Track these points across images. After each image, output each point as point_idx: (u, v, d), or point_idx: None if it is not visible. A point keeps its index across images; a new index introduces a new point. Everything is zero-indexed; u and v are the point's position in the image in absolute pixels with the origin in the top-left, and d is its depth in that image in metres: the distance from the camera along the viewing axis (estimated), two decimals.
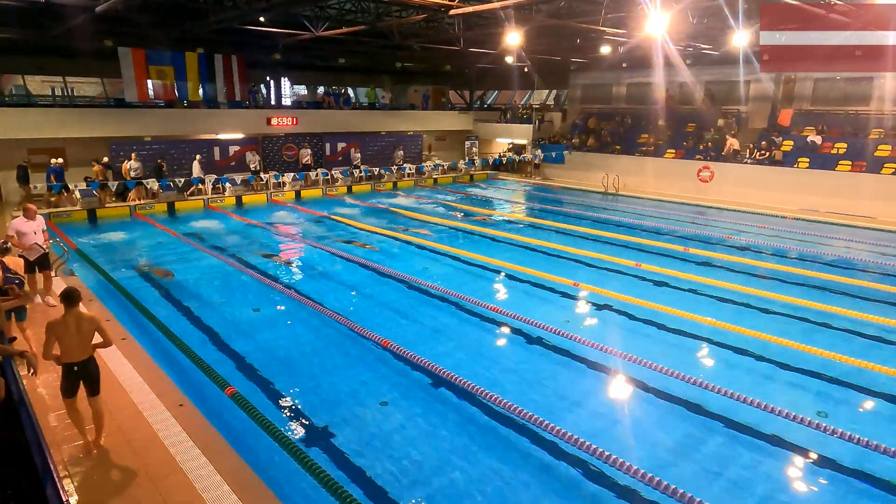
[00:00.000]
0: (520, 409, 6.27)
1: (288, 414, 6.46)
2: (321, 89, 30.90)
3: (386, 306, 9.96)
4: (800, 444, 5.96)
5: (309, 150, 23.71)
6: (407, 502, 5.02)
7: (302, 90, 33.39)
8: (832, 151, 19.92)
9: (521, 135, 29.17)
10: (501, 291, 11.26)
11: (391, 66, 28.61)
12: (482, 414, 6.49)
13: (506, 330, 9.05)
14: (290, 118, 23.69)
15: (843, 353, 7.81)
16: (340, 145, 25.47)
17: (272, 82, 27.10)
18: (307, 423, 6.27)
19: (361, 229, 16.11)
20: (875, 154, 19.02)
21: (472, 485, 5.28)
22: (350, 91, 31.65)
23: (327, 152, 25.09)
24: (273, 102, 26.79)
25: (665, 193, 22.33)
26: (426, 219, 17.59)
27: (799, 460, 5.80)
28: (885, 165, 18.48)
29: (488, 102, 38.86)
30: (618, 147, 25.38)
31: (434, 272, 11.91)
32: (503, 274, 12.01)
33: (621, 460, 5.35)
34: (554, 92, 36.12)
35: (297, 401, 6.74)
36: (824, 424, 6.07)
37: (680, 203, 20.80)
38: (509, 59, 25.23)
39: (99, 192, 17.56)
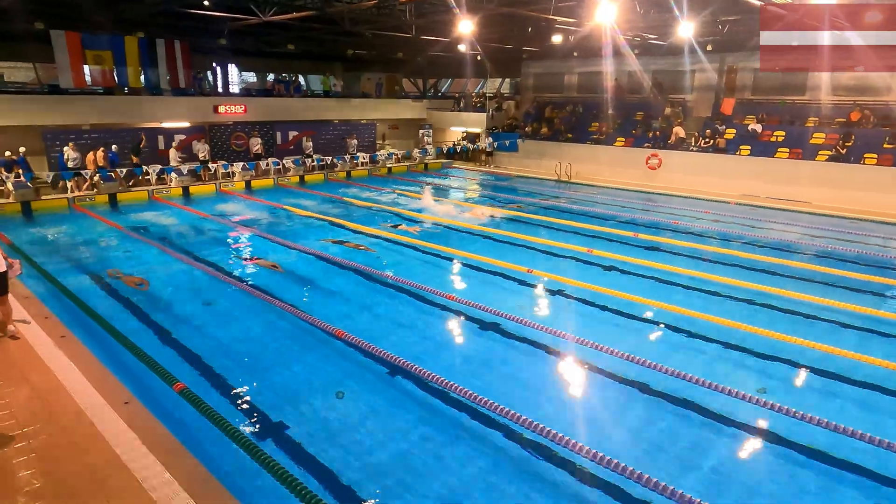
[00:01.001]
0: (477, 395, 6.31)
1: (241, 408, 6.32)
2: (271, 76, 30.14)
3: (340, 297, 9.86)
4: (743, 419, 6.23)
5: (259, 139, 23.10)
6: (368, 493, 5.01)
7: (251, 77, 32.50)
8: (771, 139, 20.79)
9: (475, 123, 29.25)
10: (456, 279, 11.30)
11: (343, 54, 28.17)
12: (439, 401, 6.51)
13: (461, 317, 9.09)
14: (238, 106, 23.02)
15: (782, 332, 8.19)
16: (292, 134, 24.93)
17: (219, 69, 26.24)
18: (261, 416, 6.16)
19: (315, 219, 15.86)
20: (811, 142, 19.95)
21: (432, 473, 5.31)
22: (301, 78, 31.02)
23: (278, 141, 24.53)
24: (220, 90, 25.96)
25: (616, 181, 22.83)
26: (381, 207, 17.46)
27: (743, 435, 6.06)
28: (820, 152, 19.41)
29: (442, 91, 38.78)
30: (570, 135, 25.77)
31: (388, 261, 11.85)
32: (457, 262, 12.06)
33: (573, 441, 5.47)
34: (507, 80, 36.35)
35: (250, 395, 6.61)
36: (764, 400, 6.37)
37: (630, 190, 21.32)
38: (462, 48, 25.23)
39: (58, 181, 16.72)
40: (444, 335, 8.73)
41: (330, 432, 5.90)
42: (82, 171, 17.68)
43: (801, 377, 7.39)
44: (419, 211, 17.13)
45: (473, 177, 25.52)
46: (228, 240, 13.88)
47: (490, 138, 26.92)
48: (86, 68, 19.05)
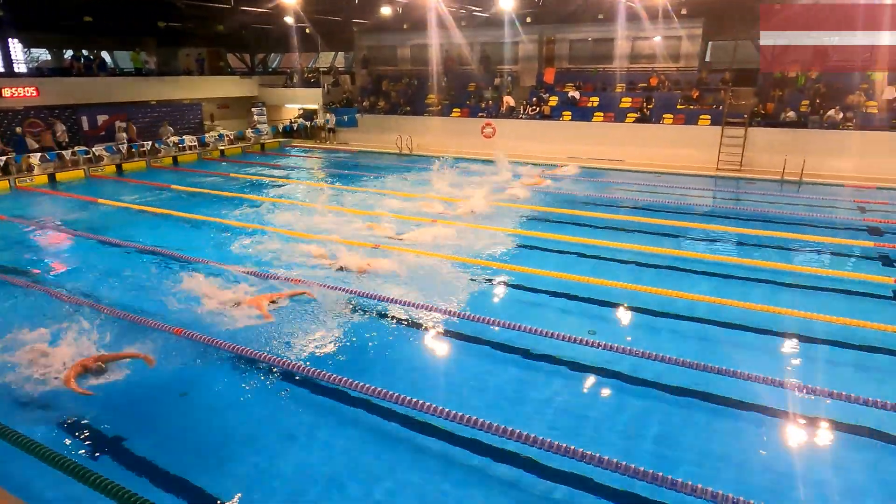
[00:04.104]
0: (325, 372, 6.26)
1: (64, 432, 5.63)
2: (69, 53, 26.38)
3: (170, 292, 9.02)
4: (577, 359, 6.89)
5: (62, 126, 20.27)
6: (217, 487, 4.77)
7: (45, 55, 28.20)
8: (588, 105, 22.74)
9: (311, 99, 28.30)
10: (298, 259, 10.86)
11: (154, 26, 25.45)
12: (289, 383, 6.36)
13: (307, 296, 8.85)
14: (28, 88, 19.89)
15: (605, 278, 9.14)
16: (101, 118, 22.18)
17: None
18: (88, 436, 5.54)
19: (138, 211, 14.41)
20: (620, 106, 22.15)
21: (291, 452, 5.20)
22: (106, 55, 27.57)
23: (85, 127, 21.70)
24: (2, 70, 22.22)
25: (455, 150, 23.50)
26: (212, 193, 16.33)
27: (577, 374, 6.70)
28: (629, 115, 21.65)
29: (273, 66, 36.83)
30: (408, 108, 25.98)
31: (226, 248, 11.16)
32: (299, 243, 11.60)
33: (420, 401, 5.66)
34: (341, 54, 35.52)
35: (72, 413, 5.89)
36: (595, 341, 7.09)
37: (469, 159, 22.05)
38: (289, 20, 24.11)
39: None
40: (287, 316, 8.47)
41: (177, 434, 5.50)
42: None
43: (625, 317, 8.33)
44: (258, 193, 16.31)
45: (314, 155, 24.81)
46: (29, 241, 12.13)
47: (332, 114, 26.23)
48: None
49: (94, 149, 20.33)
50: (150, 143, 21.59)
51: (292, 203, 15.10)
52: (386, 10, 22.77)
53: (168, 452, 5.27)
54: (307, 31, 26.60)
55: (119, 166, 20.40)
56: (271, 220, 13.25)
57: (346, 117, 26.36)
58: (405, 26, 26.38)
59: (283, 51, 34.87)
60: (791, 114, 18.91)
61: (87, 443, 5.42)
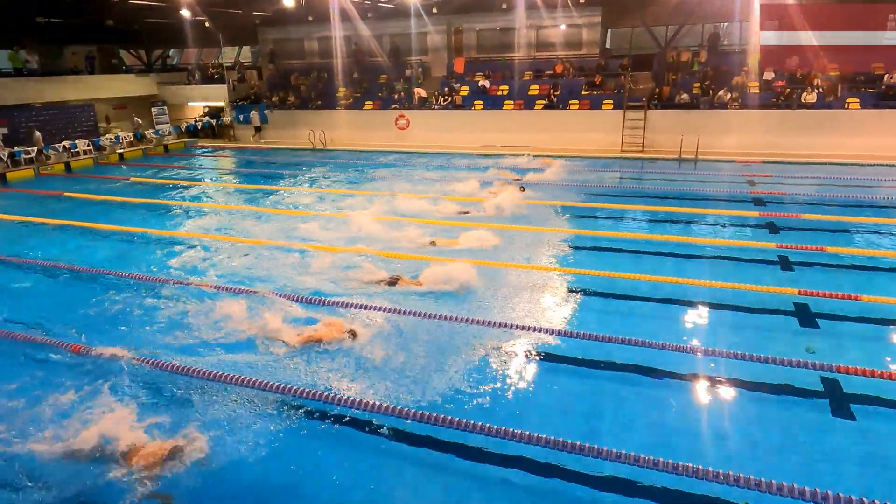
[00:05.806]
0: (228, 374, 6.10)
1: None
2: None
3: (68, 308, 8.43)
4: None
5: None
6: None
7: None
8: (498, 93, 23.13)
9: (216, 97, 27.07)
10: (211, 262, 10.37)
11: (31, 22, 23.41)
12: (181, 384, 6.12)
13: (217, 296, 8.45)
14: None
15: (519, 262, 9.37)
16: None
17: None
18: None
19: (25, 223, 13.30)
20: (529, 93, 22.69)
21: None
22: None
23: None
24: None
25: (370, 144, 23.31)
26: (111, 199, 15.34)
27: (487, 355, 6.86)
28: (537, 102, 22.22)
29: (174, 63, 34.89)
30: (319, 102, 25.44)
31: (130, 256, 10.53)
32: (199, 246, 11.10)
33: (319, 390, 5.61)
34: (246, 48, 34.16)
35: None
36: (521, 324, 7.27)
37: (385, 152, 21.92)
38: (185, 13, 22.92)
39: None
40: (198, 316, 8.12)
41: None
42: None
43: (558, 298, 8.58)
44: (155, 196, 15.46)
45: (223, 154, 23.81)
46: None
47: (257, 111, 25.18)
48: None
49: None
50: (35, 148, 19.89)
51: (201, 206, 14.47)
52: (289, 2, 22.10)
53: None
54: (206, 24, 25.38)
55: (3, 176, 18.68)
56: (180, 224, 12.66)
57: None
58: (310, 18, 25.72)
59: (182, 46, 33.09)
60: (685, 96, 20.10)
61: None
